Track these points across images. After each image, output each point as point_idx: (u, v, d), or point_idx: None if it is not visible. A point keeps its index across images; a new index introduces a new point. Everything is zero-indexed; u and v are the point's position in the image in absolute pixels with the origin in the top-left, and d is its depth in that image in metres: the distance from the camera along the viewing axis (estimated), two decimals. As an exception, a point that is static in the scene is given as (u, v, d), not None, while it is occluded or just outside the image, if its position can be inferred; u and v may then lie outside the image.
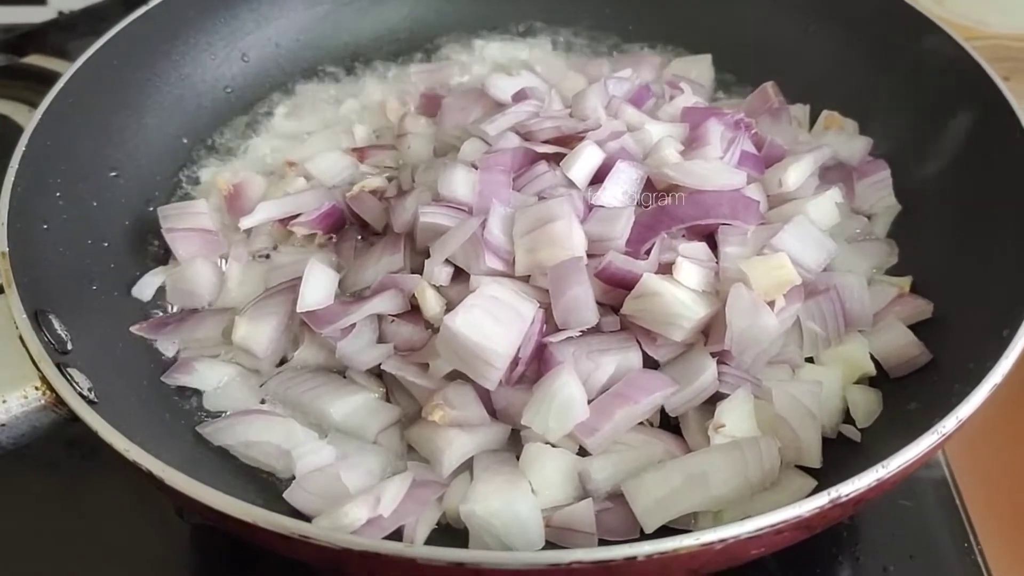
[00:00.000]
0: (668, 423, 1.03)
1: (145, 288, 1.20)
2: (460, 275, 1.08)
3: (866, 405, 1.03)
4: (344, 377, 1.09)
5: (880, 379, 1.07)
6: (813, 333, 1.06)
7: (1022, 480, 1.24)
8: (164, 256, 1.25)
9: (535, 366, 1.00)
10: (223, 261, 1.24)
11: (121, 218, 1.24)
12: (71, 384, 0.89)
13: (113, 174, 1.26)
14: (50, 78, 1.65)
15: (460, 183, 1.12)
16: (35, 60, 1.77)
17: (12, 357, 0.90)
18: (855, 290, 1.09)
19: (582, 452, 0.98)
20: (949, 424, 0.82)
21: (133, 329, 1.13)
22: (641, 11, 1.59)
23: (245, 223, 1.21)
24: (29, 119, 1.14)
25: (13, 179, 1.05)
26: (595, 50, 1.61)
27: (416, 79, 1.55)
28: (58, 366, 0.90)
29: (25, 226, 1.05)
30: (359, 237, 1.25)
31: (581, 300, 1.00)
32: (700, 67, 1.53)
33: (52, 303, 1.00)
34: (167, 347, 1.14)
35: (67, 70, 1.22)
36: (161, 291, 1.20)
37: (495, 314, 0.97)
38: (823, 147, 1.25)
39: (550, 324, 1.02)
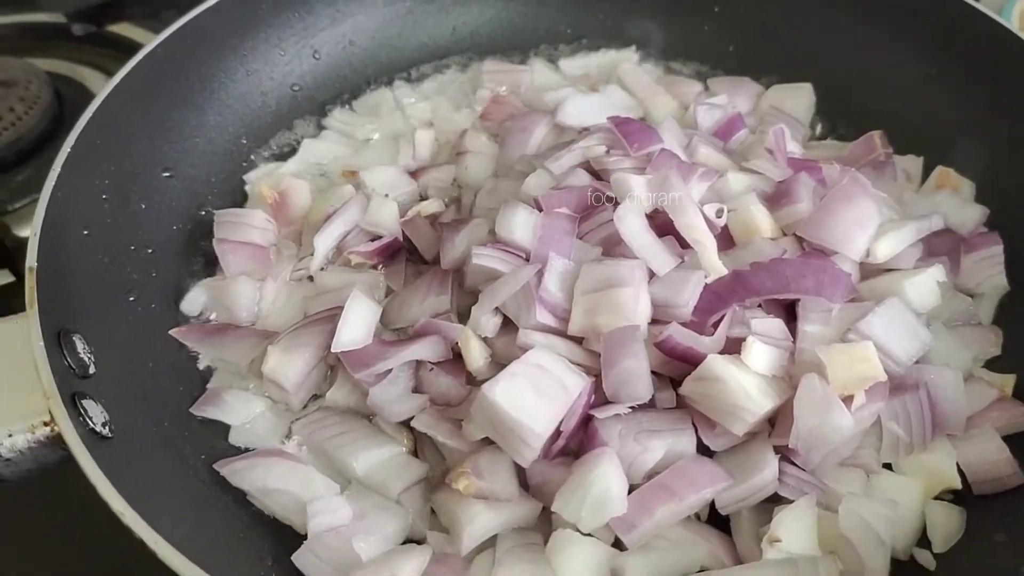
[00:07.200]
0: (716, 516, 0.93)
1: (193, 303, 1.15)
2: (509, 325, 1.00)
3: (946, 527, 0.91)
4: (373, 423, 1.02)
5: (963, 493, 0.94)
6: (895, 436, 0.95)
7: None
8: (209, 264, 1.20)
9: (579, 436, 0.92)
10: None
11: (170, 222, 1.19)
12: (84, 418, 0.85)
13: (167, 174, 1.21)
14: (129, 47, 1.63)
15: (519, 225, 1.03)
16: (115, 29, 1.75)
17: (26, 383, 0.86)
18: (949, 389, 0.96)
19: (617, 541, 0.89)
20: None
21: (172, 332, 1.10)
22: (744, 34, 1.45)
23: (314, 268, 1.17)
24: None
25: (53, 184, 1.00)
26: (689, 70, 1.49)
27: (488, 77, 1.45)
28: (73, 396, 0.86)
29: (64, 233, 1.01)
30: (408, 259, 1.18)
31: (634, 374, 0.91)
32: (798, 97, 1.39)
33: (82, 318, 0.97)
34: (202, 358, 1.10)
35: (125, 65, 1.17)
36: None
37: (538, 386, 0.88)
38: (932, 216, 1.10)
39: (599, 393, 0.93)
